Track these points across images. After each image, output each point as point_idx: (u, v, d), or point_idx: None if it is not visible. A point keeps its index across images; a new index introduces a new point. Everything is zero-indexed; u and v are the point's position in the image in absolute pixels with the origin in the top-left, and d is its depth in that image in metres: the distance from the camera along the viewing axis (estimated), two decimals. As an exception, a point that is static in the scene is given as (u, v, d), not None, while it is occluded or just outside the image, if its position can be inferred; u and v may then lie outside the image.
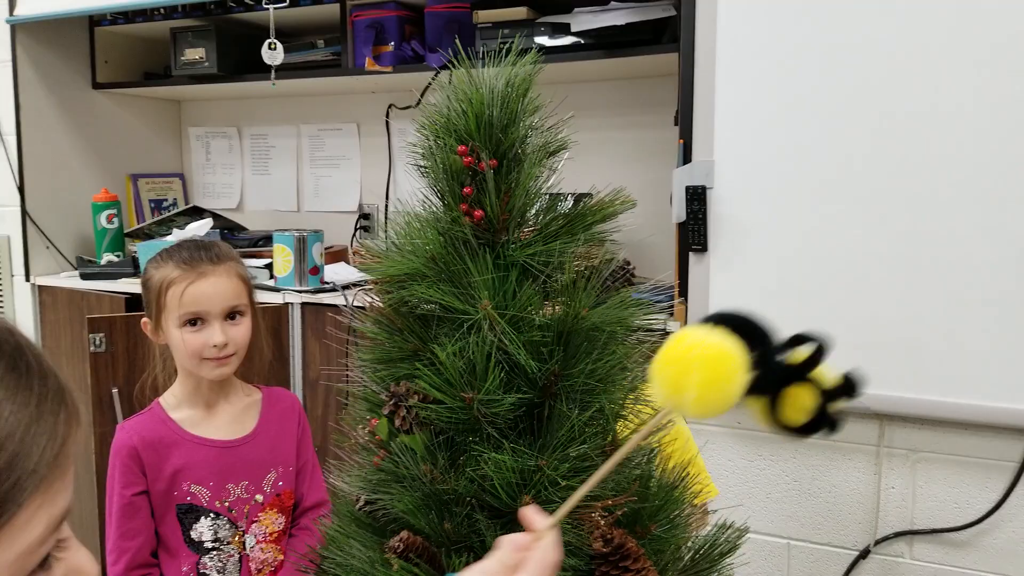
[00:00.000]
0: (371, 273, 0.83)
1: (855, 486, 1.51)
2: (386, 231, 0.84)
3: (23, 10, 2.28)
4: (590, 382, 0.72)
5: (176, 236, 2.31)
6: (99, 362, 1.87)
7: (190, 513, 1.23)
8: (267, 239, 2.28)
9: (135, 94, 2.58)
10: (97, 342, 1.86)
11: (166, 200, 2.70)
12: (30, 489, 0.39)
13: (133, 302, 2.11)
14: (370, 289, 0.86)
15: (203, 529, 1.23)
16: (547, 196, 0.85)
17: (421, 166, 0.86)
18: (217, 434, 1.27)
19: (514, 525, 0.73)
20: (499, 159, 0.82)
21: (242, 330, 1.25)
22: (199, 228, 2.36)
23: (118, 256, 2.34)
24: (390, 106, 2.41)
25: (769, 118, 1.50)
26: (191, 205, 2.49)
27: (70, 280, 2.31)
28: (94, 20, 2.43)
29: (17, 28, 2.30)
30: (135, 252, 2.33)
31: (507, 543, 0.59)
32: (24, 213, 2.34)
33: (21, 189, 2.33)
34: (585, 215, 0.84)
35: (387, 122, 2.43)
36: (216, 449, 1.25)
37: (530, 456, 0.70)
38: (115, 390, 1.89)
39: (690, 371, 0.55)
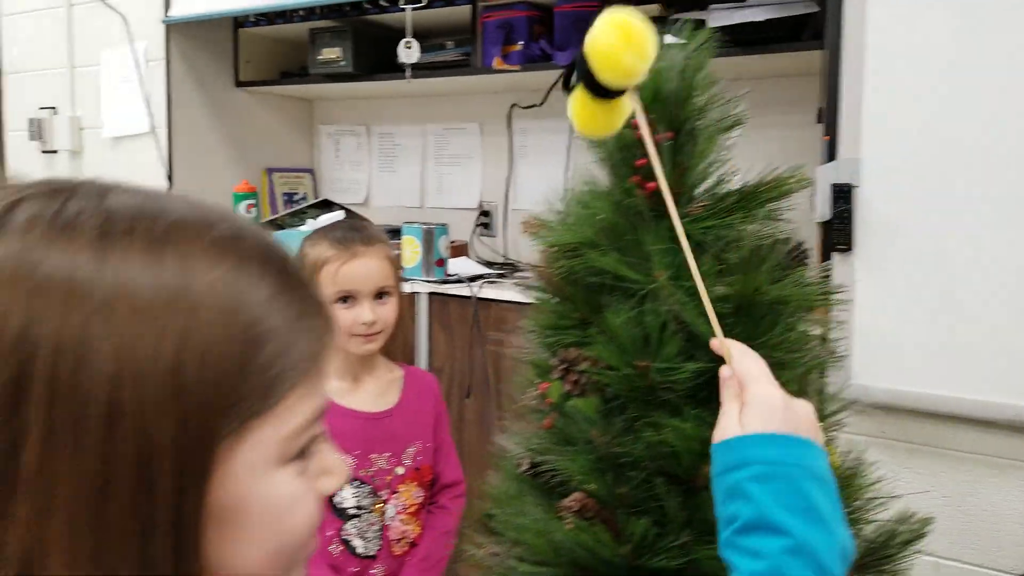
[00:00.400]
0: (544, 242, 0.85)
1: (1016, 505, 1.43)
2: (561, 201, 0.86)
3: (177, 11, 2.43)
4: (775, 355, 0.72)
5: (309, 227, 2.42)
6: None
7: (335, 480, 1.27)
8: (395, 232, 2.35)
9: (272, 92, 2.71)
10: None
11: (297, 194, 2.82)
12: (294, 379, 0.42)
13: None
14: (539, 259, 0.88)
15: (347, 496, 1.27)
16: (719, 171, 0.85)
17: (592, 140, 0.87)
18: (363, 406, 1.31)
19: (695, 492, 0.72)
20: (674, 132, 0.83)
21: (389, 309, 1.30)
22: (332, 220, 2.45)
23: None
24: (513, 106, 2.45)
25: (920, 116, 1.45)
26: (322, 199, 2.59)
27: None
28: (238, 21, 2.57)
29: (171, 28, 2.46)
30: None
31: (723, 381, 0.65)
32: (170, 201, 2.48)
33: (170, 179, 2.48)
34: (760, 192, 0.84)
35: (509, 122, 2.47)
36: (362, 420, 1.30)
37: (711, 426, 0.69)
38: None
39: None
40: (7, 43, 2.89)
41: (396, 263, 1.32)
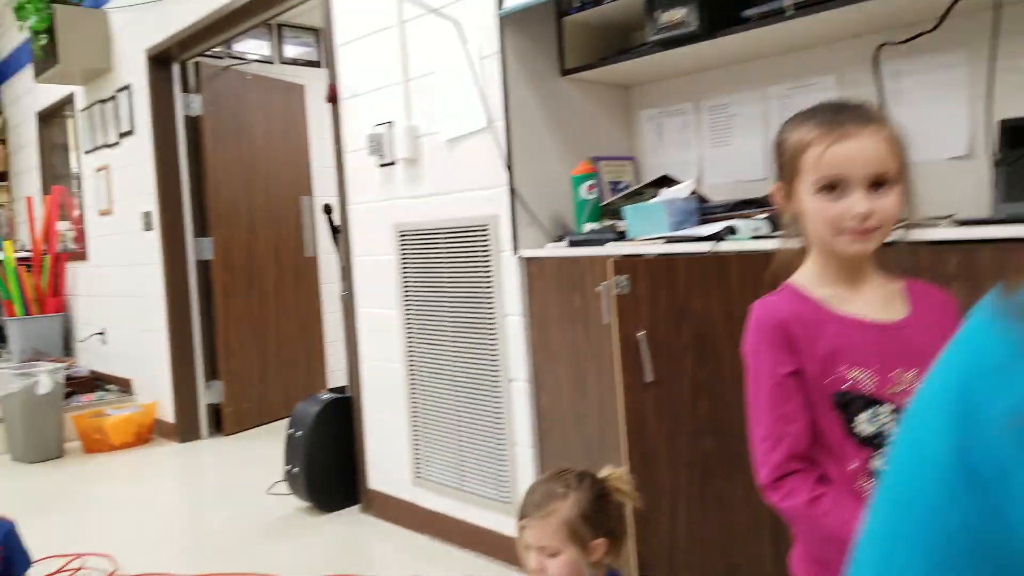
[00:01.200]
0: None
1: None
2: None
3: (510, 3, 2.45)
4: None
5: (653, 201, 2.29)
6: (624, 304, 1.85)
7: (851, 402, 1.07)
8: (744, 203, 2.17)
9: (593, 80, 2.66)
10: (622, 284, 1.84)
11: (621, 182, 2.72)
12: None
13: (619, 264, 2.10)
14: None
15: (866, 421, 1.06)
16: None
17: None
18: (869, 315, 1.10)
19: None
20: None
21: (888, 202, 1.08)
22: (680, 191, 2.31)
23: (598, 225, 2.37)
24: (880, 46, 2.18)
25: None
26: (661, 175, 2.46)
27: (555, 250, 2.38)
28: (561, 10, 2.56)
29: (503, 22, 2.48)
30: (613, 223, 2.35)
31: None
32: (512, 192, 2.47)
33: (510, 168, 2.47)
34: None
35: (876, 65, 2.20)
36: (875, 330, 1.09)
37: None
38: (641, 333, 1.85)
39: None
40: (344, 71, 3.10)
41: (899, 146, 1.11)
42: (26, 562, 2.05)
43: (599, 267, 2.18)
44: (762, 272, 1.27)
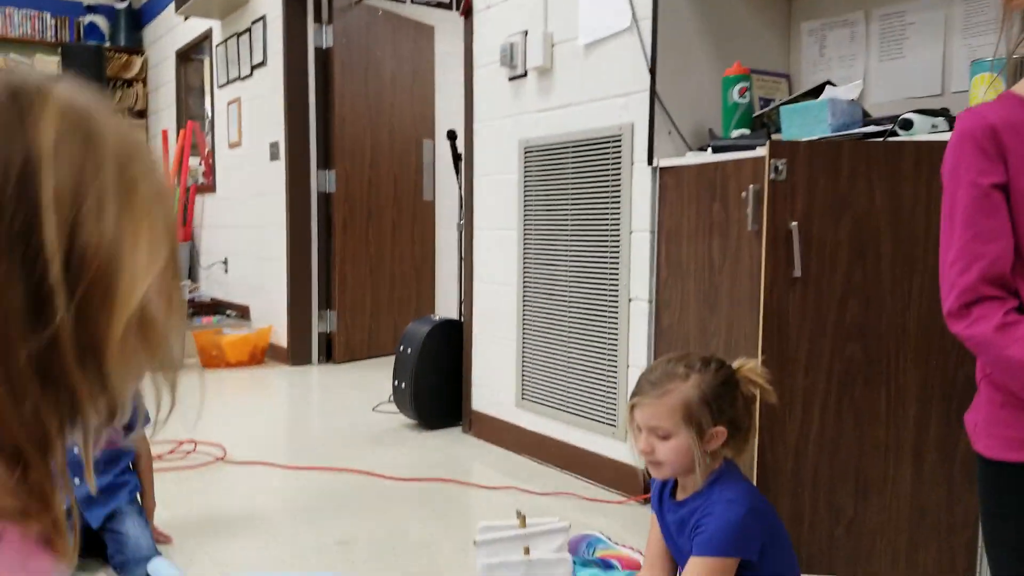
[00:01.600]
0: None
1: None
2: None
3: None
4: None
5: (823, 97, 2.08)
6: (779, 191, 1.66)
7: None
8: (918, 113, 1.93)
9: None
10: (779, 168, 1.66)
11: (772, 100, 2.50)
12: None
13: (777, 147, 1.90)
14: None
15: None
16: None
17: None
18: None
19: None
20: None
21: None
22: (848, 91, 2.09)
23: (747, 131, 2.17)
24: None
25: None
26: (823, 82, 2.24)
27: (696, 157, 2.20)
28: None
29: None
30: (766, 130, 2.16)
31: None
32: (653, 97, 2.31)
33: (653, 73, 2.30)
34: None
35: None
36: None
37: None
38: (793, 224, 1.66)
39: None
40: (480, -18, 3.00)
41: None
42: (146, 418, 2.05)
43: (746, 171, 1.99)
44: (940, 163, 1.07)
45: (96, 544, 1.92)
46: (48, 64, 6.59)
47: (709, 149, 2.19)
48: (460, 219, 3.33)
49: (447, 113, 4.85)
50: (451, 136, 3.55)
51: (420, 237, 5.19)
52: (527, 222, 2.83)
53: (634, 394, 1.35)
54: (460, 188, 3.33)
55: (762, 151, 2.00)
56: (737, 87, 2.20)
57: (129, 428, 2.06)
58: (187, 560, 1.95)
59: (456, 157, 3.52)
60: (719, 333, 2.12)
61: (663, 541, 1.42)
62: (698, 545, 1.27)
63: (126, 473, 2.00)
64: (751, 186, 1.94)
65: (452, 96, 4.42)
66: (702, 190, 2.16)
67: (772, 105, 2.28)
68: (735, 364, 1.37)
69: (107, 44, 6.82)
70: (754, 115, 2.26)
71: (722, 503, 1.27)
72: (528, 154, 2.80)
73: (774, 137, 1.93)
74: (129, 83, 7.00)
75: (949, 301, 0.93)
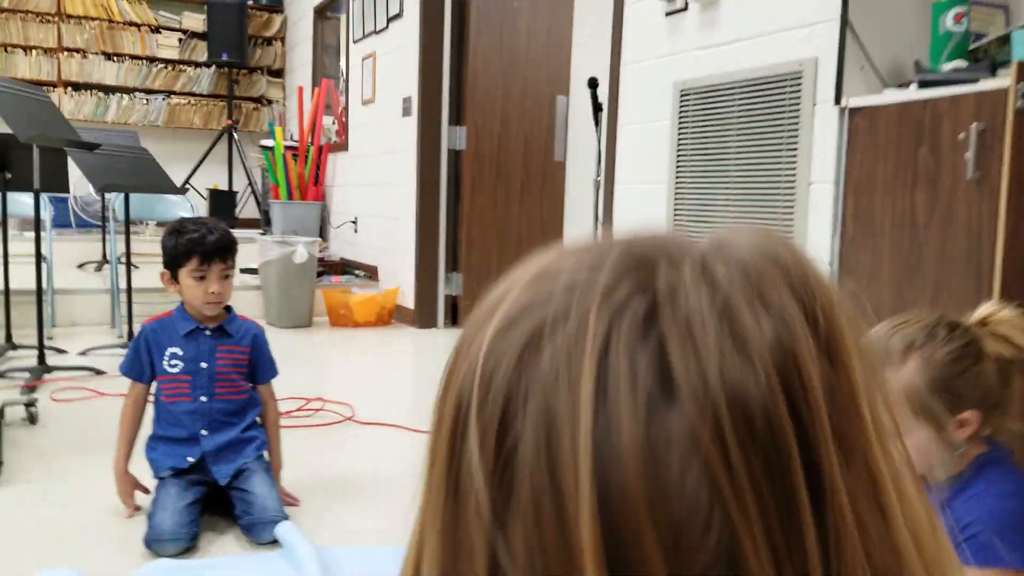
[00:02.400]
0: None
1: None
2: None
3: None
4: None
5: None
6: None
7: None
8: None
9: None
10: (1035, 96, 1.32)
11: (986, 34, 2.11)
12: None
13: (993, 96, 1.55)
14: None
15: None
16: None
17: None
18: None
19: None
20: None
21: None
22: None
23: (964, 62, 1.81)
24: None
25: None
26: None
27: (898, 94, 1.86)
28: None
29: None
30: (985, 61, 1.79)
31: None
32: (845, 26, 1.97)
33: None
34: None
35: None
36: None
37: None
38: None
39: None
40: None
41: None
42: (272, 369, 1.95)
43: (967, 108, 1.65)
44: None
45: (223, 501, 1.83)
46: (195, 21, 6.75)
47: (913, 85, 1.85)
48: (597, 175, 3.08)
49: (581, 68, 4.58)
50: (592, 84, 3.29)
51: (549, 199, 4.97)
52: (679, 174, 2.55)
53: None
54: (599, 141, 3.07)
55: (987, 84, 1.65)
56: (952, 12, 1.84)
57: (256, 378, 1.91)
58: (314, 523, 1.84)
59: (596, 107, 3.26)
60: (920, 303, 1.79)
61: None
62: (976, 553, 0.99)
63: (253, 428, 1.90)
64: (973, 125, 1.60)
65: (589, 47, 4.15)
66: (904, 133, 1.82)
67: (993, 35, 1.91)
68: (974, 318, 1.06)
69: (249, 1, 6.92)
70: (969, 47, 1.89)
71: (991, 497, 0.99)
72: (684, 98, 2.52)
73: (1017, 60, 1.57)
74: (268, 41, 7.09)
75: None
